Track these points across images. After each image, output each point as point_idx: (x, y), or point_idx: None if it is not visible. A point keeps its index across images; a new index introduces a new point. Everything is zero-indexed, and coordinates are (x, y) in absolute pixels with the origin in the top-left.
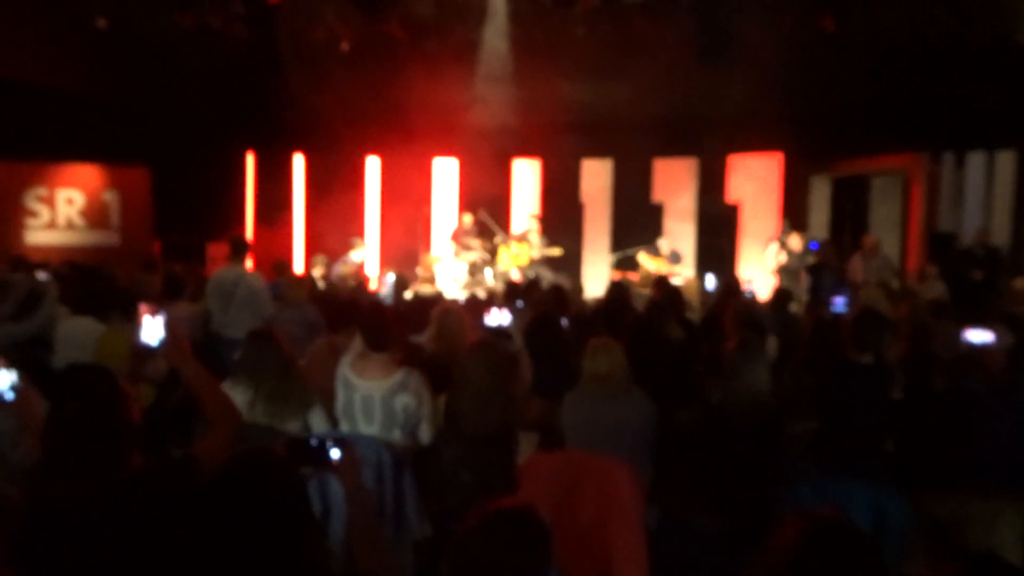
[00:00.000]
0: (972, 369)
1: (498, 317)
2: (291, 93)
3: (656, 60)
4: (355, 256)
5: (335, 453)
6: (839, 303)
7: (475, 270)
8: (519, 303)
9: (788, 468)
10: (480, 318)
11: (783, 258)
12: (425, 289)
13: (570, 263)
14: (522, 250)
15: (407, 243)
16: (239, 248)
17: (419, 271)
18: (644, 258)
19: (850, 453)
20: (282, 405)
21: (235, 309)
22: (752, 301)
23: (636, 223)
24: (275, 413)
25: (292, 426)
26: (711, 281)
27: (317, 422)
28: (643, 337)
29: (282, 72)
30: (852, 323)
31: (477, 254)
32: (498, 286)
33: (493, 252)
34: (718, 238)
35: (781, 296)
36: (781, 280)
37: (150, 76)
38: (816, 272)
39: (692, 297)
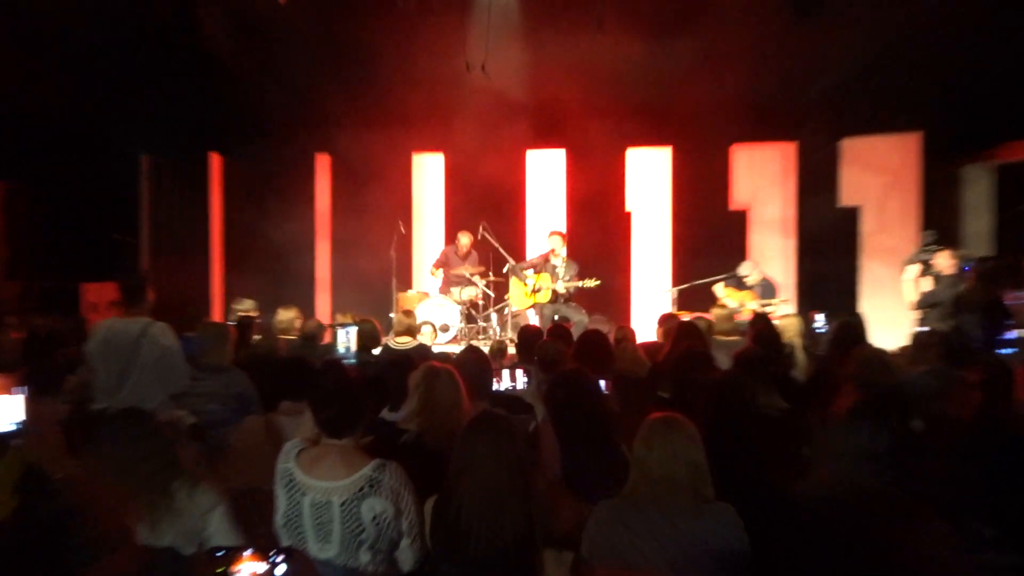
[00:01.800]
0: None
1: (509, 380)
2: (204, 73)
3: (735, 11)
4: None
5: (281, 569)
6: None
7: (474, 313)
8: (539, 359)
9: None
10: (483, 382)
11: (927, 286)
12: (402, 343)
13: (613, 300)
14: (542, 282)
15: (375, 276)
16: (135, 291)
17: (394, 317)
18: (722, 291)
19: None
20: (162, 519)
21: (136, 378)
22: (886, 352)
23: (709, 240)
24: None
25: (177, 543)
26: (822, 322)
27: (217, 531)
28: (727, 412)
29: (191, 46)
30: None
31: (476, 290)
32: (508, 335)
33: (500, 286)
34: (830, 259)
35: (951, 342)
36: (925, 318)
37: (2, 65)
38: (968, 305)
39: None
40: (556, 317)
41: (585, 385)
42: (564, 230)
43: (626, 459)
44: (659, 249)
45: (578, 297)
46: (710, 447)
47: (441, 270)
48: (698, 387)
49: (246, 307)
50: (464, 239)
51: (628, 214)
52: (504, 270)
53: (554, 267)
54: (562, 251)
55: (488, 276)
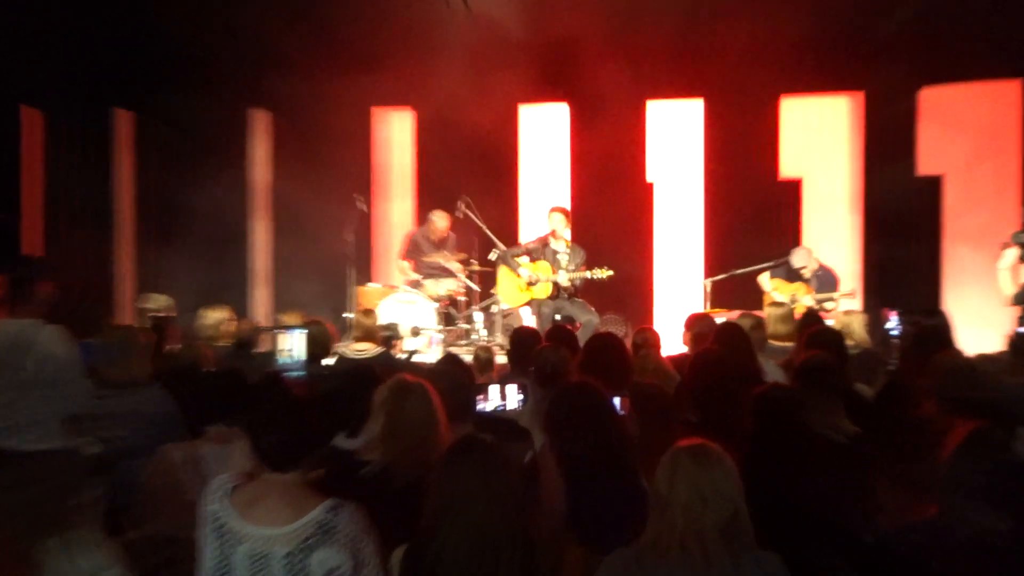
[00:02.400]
0: None
1: (499, 397)
2: (109, 4)
3: None
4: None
5: None
6: None
7: (453, 312)
8: (537, 370)
9: None
10: (465, 400)
11: None
12: (362, 350)
13: (631, 295)
14: (539, 273)
15: (327, 266)
16: (20, 284)
17: (351, 318)
18: (769, 282)
19: None
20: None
21: (19, 396)
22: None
23: (752, 218)
24: None
25: None
26: (895, 322)
27: None
28: (777, 436)
29: None
30: None
31: (456, 283)
32: (497, 340)
33: (486, 278)
34: (905, 242)
35: None
36: None
37: None
38: None
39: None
40: (558, 317)
41: (595, 403)
42: (568, 206)
43: (647, 497)
44: (689, 230)
45: (586, 292)
46: (752, 481)
47: (409, 262)
48: (737, 404)
49: (159, 305)
50: (439, 220)
51: (650, 186)
52: (491, 258)
53: (555, 253)
54: (565, 233)
55: (471, 265)
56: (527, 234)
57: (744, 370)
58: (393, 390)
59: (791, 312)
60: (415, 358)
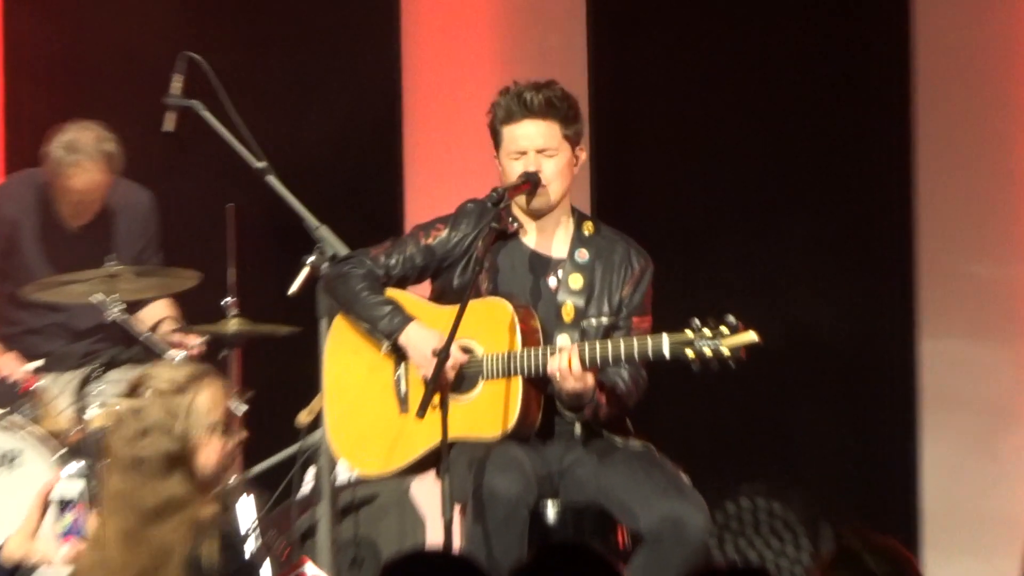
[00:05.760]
0: None
1: None
2: None
3: None
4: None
5: None
6: None
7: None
8: None
9: None
10: None
11: None
12: None
13: (830, 408)
14: (474, 342)
15: None
16: None
17: None
18: None
19: None
20: None
21: None
22: None
23: None
24: None
25: None
26: None
27: None
28: None
29: None
30: None
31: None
32: None
33: (255, 358)
34: None
35: None
36: None
37: None
38: None
39: None
40: (551, 510)
41: None
42: (580, 103)
43: None
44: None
45: (661, 406)
46: None
47: None
48: None
49: None
50: (80, 150)
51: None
52: (292, 290)
53: (538, 262)
54: (558, 175)
55: (224, 322)
56: (432, 202)
57: None
58: None
59: None
60: None
